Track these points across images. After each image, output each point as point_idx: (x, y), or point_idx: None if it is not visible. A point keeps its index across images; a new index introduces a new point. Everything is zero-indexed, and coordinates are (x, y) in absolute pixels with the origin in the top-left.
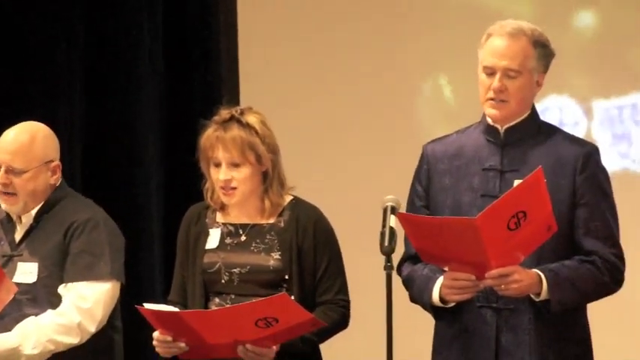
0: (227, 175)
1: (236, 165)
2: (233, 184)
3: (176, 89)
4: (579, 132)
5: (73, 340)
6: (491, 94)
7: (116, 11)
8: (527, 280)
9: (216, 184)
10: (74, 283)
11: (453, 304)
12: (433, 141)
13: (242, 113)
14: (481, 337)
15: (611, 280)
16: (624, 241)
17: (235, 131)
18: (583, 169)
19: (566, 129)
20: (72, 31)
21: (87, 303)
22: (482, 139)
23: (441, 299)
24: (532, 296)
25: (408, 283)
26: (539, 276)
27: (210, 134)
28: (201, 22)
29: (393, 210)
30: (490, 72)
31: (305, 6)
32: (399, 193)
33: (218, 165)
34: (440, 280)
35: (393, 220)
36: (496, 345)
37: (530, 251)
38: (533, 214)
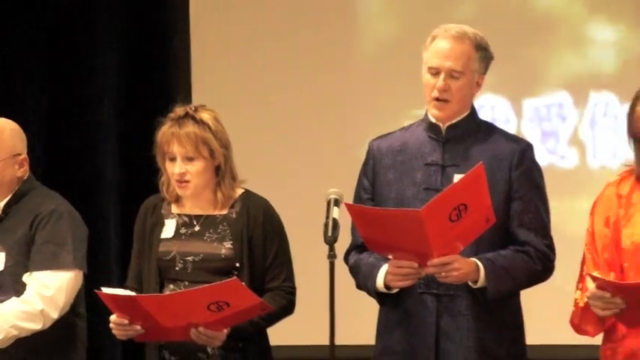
0: (182, 168)
1: (190, 159)
2: (187, 177)
3: (134, 87)
4: (510, 129)
5: (36, 326)
6: (435, 94)
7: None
8: (466, 268)
9: (171, 177)
10: (38, 272)
11: (396, 290)
12: (379, 137)
13: (196, 110)
14: (422, 322)
15: (542, 268)
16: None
17: (190, 127)
18: (518, 164)
19: (498, 126)
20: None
21: (49, 291)
22: (424, 136)
23: (385, 285)
24: (470, 283)
25: (354, 271)
26: (477, 264)
27: (165, 130)
28: (158, 26)
29: (336, 202)
30: (435, 72)
31: (253, 9)
32: (343, 187)
33: (173, 159)
34: (384, 268)
35: (335, 212)
36: (436, 329)
37: (469, 241)
38: (474, 206)
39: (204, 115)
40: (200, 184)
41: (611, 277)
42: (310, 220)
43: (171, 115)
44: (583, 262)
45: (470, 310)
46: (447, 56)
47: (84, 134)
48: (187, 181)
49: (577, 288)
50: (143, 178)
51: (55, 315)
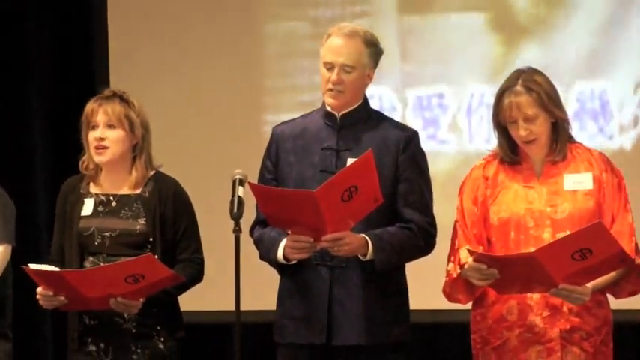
0: (103, 134)
1: (111, 126)
2: (106, 143)
3: (60, 78)
4: (396, 117)
5: None
6: (330, 86)
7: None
8: (357, 242)
9: (91, 146)
10: None
11: (294, 262)
12: (282, 124)
13: (123, 93)
14: (317, 290)
15: (425, 244)
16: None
17: (117, 104)
18: (404, 150)
19: (387, 114)
20: None
21: None
22: (322, 123)
23: (285, 257)
24: (360, 256)
25: (258, 244)
26: (366, 239)
27: (92, 103)
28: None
29: (241, 182)
30: (330, 67)
31: (167, 7)
32: (248, 169)
33: (95, 127)
34: (284, 241)
35: (240, 191)
36: (329, 297)
37: (359, 219)
38: (363, 188)
39: (130, 98)
40: (117, 153)
41: (480, 250)
42: (218, 199)
43: (100, 94)
44: (454, 237)
45: (360, 281)
46: (340, 52)
47: (9, 113)
48: (105, 147)
49: (449, 260)
50: (70, 157)
51: None
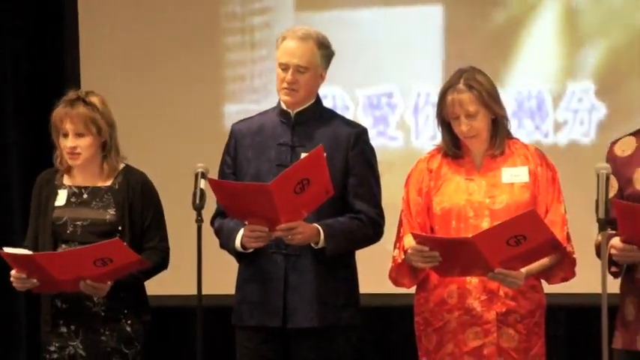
0: (73, 142)
1: (80, 135)
2: (78, 150)
3: (32, 74)
4: (349, 115)
5: None
6: (285, 85)
7: None
8: (309, 232)
9: (64, 150)
10: None
11: (251, 250)
12: (240, 121)
13: (86, 95)
14: (273, 277)
15: (373, 232)
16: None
17: (80, 108)
18: (354, 145)
19: (339, 112)
20: None
21: None
22: (277, 120)
23: (242, 246)
24: (312, 245)
25: (218, 233)
26: (318, 229)
27: (59, 110)
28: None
29: (203, 175)
30: (284, 67)
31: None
32: (209, 163)
33: (66, 135)
34: (241, 231)
35: (202, 183)
36: (284, 283)
37: (312, 210)
38: (315, 181)
39: (93, 99)
40: (88, 157)
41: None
42: (181, 190)
43: (65, 97)
44: (400, 226)
45: (312, 267)
46: (294, 54)
47: None
48: (78, 154)
49: (395, 247)
50: (44, 147)
51: None
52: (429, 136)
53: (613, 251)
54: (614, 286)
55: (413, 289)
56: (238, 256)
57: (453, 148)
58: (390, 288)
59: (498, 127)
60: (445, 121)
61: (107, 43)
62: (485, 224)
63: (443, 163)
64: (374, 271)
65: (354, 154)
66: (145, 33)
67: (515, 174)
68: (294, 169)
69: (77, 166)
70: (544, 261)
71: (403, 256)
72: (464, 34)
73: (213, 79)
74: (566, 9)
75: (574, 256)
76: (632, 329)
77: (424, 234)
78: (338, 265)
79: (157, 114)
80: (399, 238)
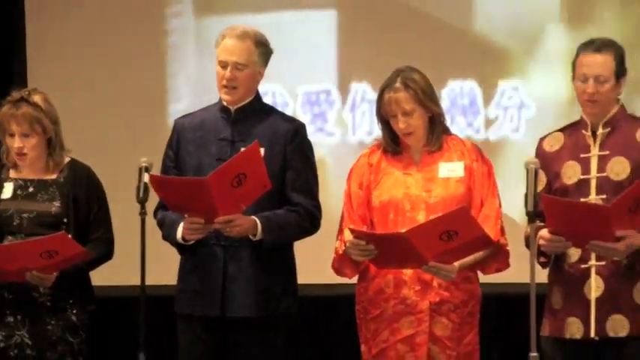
0: (19, 143)
1: (26, 135)
2: (24, 151)
3: None
4: (289, 111)
5: None
6: (224, 82)
7: None
8: (247, 224)
9: (11, 150)
10: None
11: (192, 242)
12: (183, 116)
13: (29, 94)
14: (213, 267)
15: (310, 225)
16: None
17: (24, 109)
18: (292, 140)
19: (278, 108)
20: None
21: None
22: (218, 116)
23: (183, 238)
24: (251, 237)
25: (160, 225)
26: (256, 221)
27: (5, 111)
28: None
29: (146, 169)
30: (224, 65)
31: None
32: (153, 157)
33: (12, 135)
34: (182, 224)
35: (146, 177)
36: (223, 273)
37: (249, 203)
38: (252, 175)
39: (37, 98)
40: (35, 156)
41: (364, 229)
42: (126, 184)
43: (9, 98)
44: (342, 218)
45: (251, 258)
46: (233, 52)
47: None
48: (25, 154)
49: (337, 239)
50: None
51: None
52: (366, 133)
53: (541, 242)
54: (543, 275)
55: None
56: (180, 247)
57: (392, 144)
58: (332, 278)
59: (435, 124)
60: (384, 118)
61: (54, 42)
62: (421, 217)
63: (383, 158)
64: (316, 262)
65: (292, 148)
66: (92, 32)
67: (451, 169)
68: (230, 163)
69: (25, 166)
70: (479, 253)
71: (344, 248)
72: (399, 31)
73: (158, 77)
74: None
75: (507, 248)
76: (559, 317)
77: (360, 229)
78: (276, 256)
79: (103, 110)
80: (340, 230)
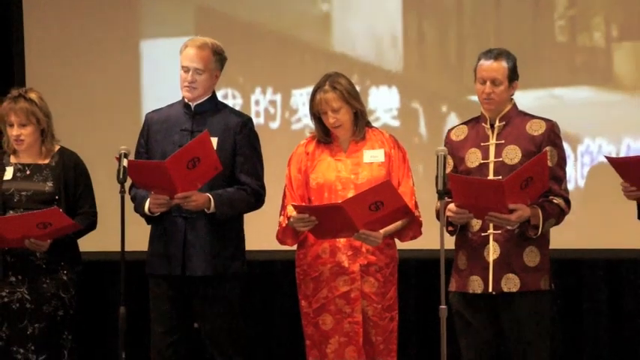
0: (17, 131)
1: (23, 125)
2: (22, 138)
3: None
4: (239, 107)
5: None
6: (186, 84)
7: None
8: (202, 200)
9: (10, 138)
10: None
11: (157, 214)
12: (153, 111)
13: (26, 92)
14: (175, 235)
15: (255, 201)
16: (268, 175)
17: (22, 104)
18: (240, 131)
19: (231, 104)
20: None
21: None
22: (181, 111)
23: (150, 210)
24: (205, 210)
25: (133, 201)
26: (210, 197)
27: (5, 105)
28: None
29: (125, 155)
30: (186, 69)
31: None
32: (131, 144)
33: (12, 125)
34: (149, 199)
35: (125, 162)
36: (184, 240)
37: (204, 182)
38: (204, 159)
39: (32, 95)
40: (30, 142)
41: (304, 205)
42: (109, 168)
43: (9, 95)
44: (284, 197)
45: (206, 228)
46: (193, 59)
47: None
48: (22, 140)
49: (280, 214)
50: None
51: None
52: (303, 125)
53: (449, 214)
54: (450, 242)
55: (295, 247)
56: (147, 218)
57: (324, 136)
58: (275, 246)
59: (359, 118)
60: (316, 115)
61: (51, 46)
62: (351, 195)
63: (317, 147)
64: (264, 231)
65: (240, 137)
66: (81, 37)
67: (373, 155)
68: (184, 149)
69: (22, 151)
70: (397, 224)
71: (287, 222)
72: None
73: (134, 79)
74: None
75: (420, 219)
76: (464, 275)
77: (303, 204)
78: (227, 226)
79: (88, 106)
80: (283, 206)
